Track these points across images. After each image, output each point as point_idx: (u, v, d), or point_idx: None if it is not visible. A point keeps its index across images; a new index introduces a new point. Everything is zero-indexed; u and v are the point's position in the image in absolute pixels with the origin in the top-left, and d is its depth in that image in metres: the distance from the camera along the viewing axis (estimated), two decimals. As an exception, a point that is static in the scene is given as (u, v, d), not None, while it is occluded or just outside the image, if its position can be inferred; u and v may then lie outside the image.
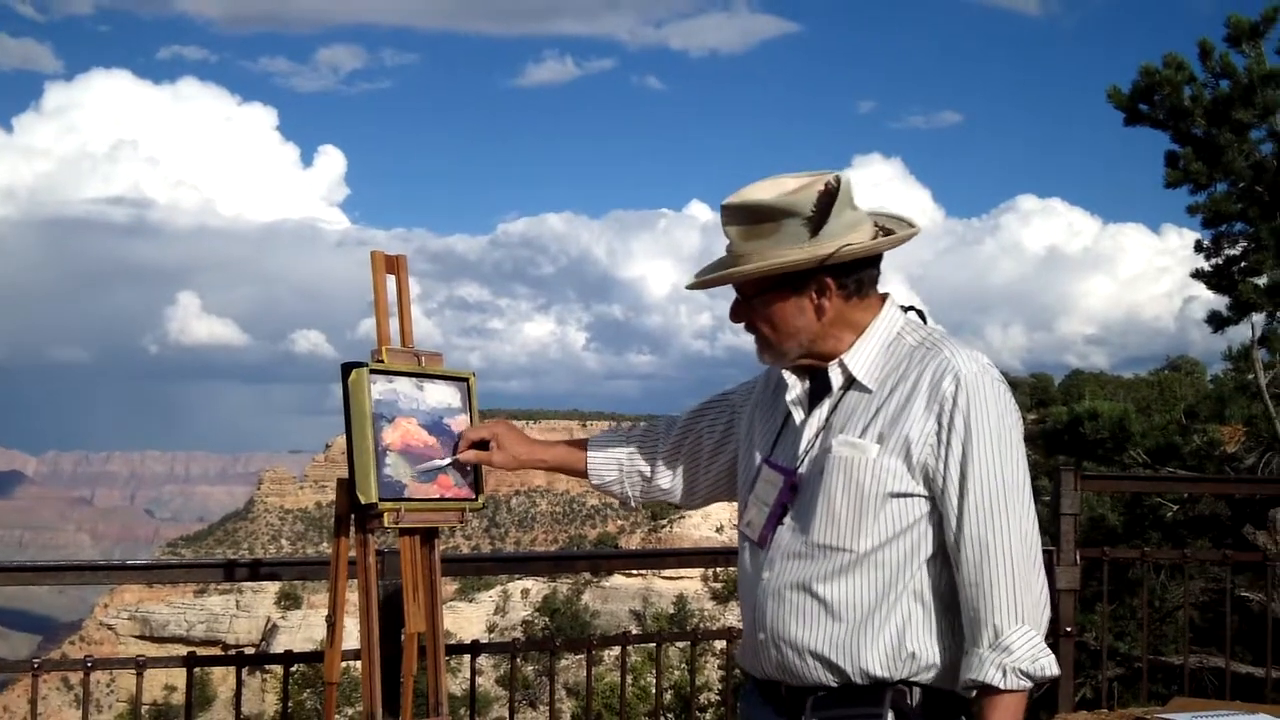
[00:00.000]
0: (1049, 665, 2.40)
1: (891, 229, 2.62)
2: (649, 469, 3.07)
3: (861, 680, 2.49)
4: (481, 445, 3.05)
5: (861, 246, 2.52)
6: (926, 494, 2.49)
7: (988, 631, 2.41)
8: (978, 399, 2.45)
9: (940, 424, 2.46)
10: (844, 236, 2.51)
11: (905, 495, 2.48)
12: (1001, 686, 2.39)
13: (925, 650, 2.49)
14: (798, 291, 2.55)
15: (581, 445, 3.14)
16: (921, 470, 2.47)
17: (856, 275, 2.56)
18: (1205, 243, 12.84)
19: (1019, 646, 2.38)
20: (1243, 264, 12.50)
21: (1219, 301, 12.72)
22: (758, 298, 2.60)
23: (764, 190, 2.53)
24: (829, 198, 2.49)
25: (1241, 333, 12.72)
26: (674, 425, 3.08)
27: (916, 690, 2.49)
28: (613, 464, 3.09)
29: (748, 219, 2.55)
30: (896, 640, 2.48)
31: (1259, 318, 12.23)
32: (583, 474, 3.12)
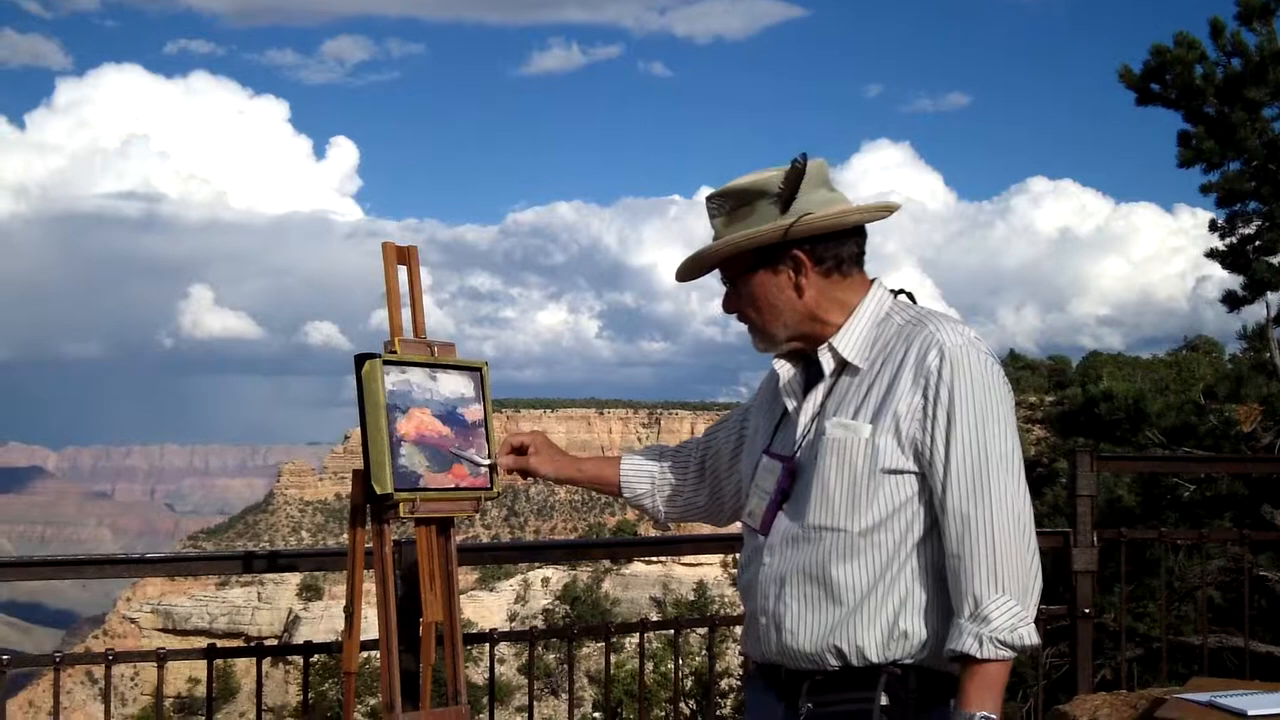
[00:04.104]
0: (1028, 635, 2.40)
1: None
2: (679, 483, 3.10)
3: (858, 662, 2.50)
4: (519, 451, 3.08)
5: (824, 215, 2.55)
6: (917, 470, 2.50)
7: (968, 602, 2.41)
8: (962, 371, 2.46)
9: (926, 398, 2.47)
10: (815, 211, 2.55)
11: (897, 472, 2.50)
12: (978, 656, 2.39)
13: (920, 629, 2.50)
14: (774, 269, 2.61)
15: (614, 462, 3.16)
16: (911, 446, 2.49)
17: (834, 251, 2.60)
18: (1219, 222, 12.80)
19: (997, 616, 2.38)
20: (1257, 243, 12.46)
21: (1233, 281, 12.69)
22: (740, 280, 2.66)
23: (740, 178, 2.61)
24: (797, 175, 2.54)
25: (1256, 312, 12.70)
26: (702, 442, 3.12)
27: (912, 674, 2.50)
28: (645, 478, 3.11)
29: (726, 206, 2.63)
30: (892, 620, 2.50)
31: (1274, 296, 12.21)
32: (615, 490, 3.14)
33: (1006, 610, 2.39)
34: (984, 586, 2.40)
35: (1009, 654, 2.40)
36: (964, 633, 2.40)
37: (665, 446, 3.20)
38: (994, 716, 2.39)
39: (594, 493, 3.56)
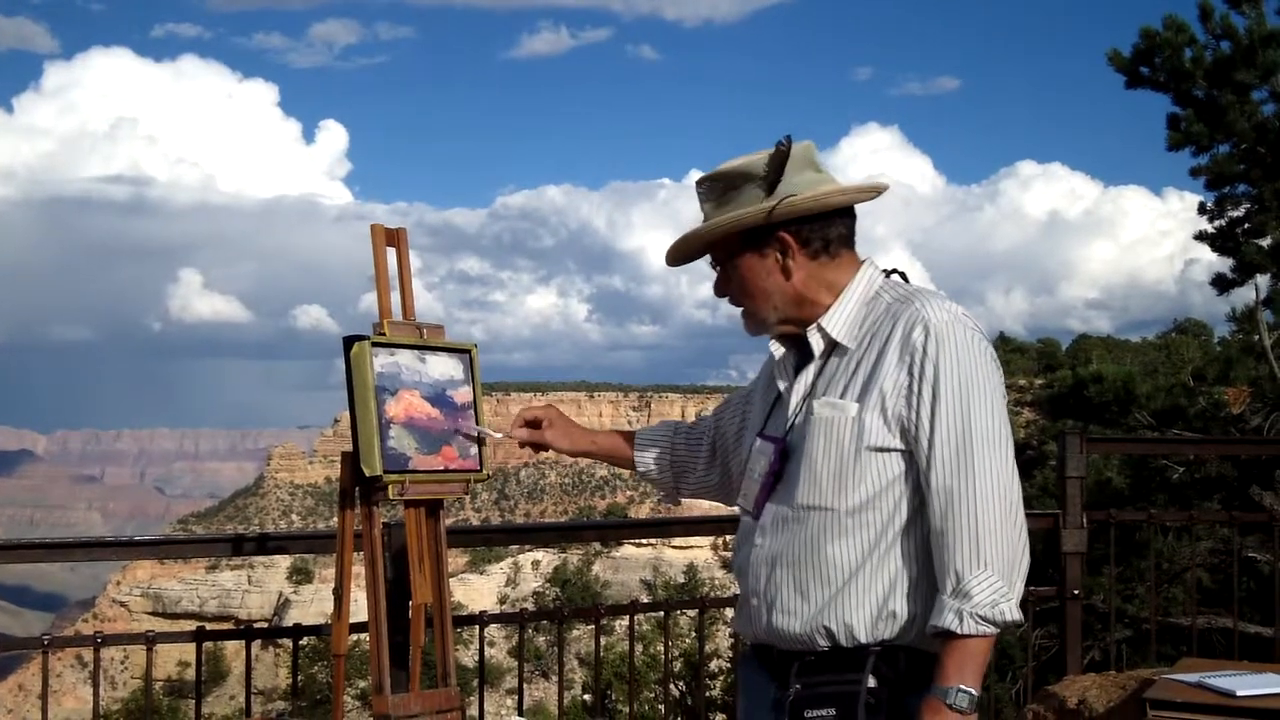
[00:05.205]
0: (1009, 610, 2.38)
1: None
2: (693, 461, 3.10)
3: (847, 642, 2.49)
4: (533, 424, 3.08)
5: (807, 197, 2.55)
6: (903, 448, 2.49)
7: (950, 577, 2.39)
8: (947, 347, 2.45)
9: (911, 374, 2.46)
10: (799, 193, 2.55)
11: (884, 450, 2.49)
12: (958, 631, 2.37)
13: (909, 610, 2.48)
14: (761, 252, 2.61)
15: (628, 436, 3.17)
16: (897, 423, 2.48)
17: (821, 233, 2.60)
18: (1209, 205, 12.82)
19: (979, 592, 2.36)
20: (1246, 225, 12.48)
21: (1222, 264, 12.71)
22: (729, 263, 2.66)
23: (727, 162, 2.61)
24: (781, 158, 2.55)
25: (1245, 294, 12.73)
26: (711, 422, 3.13)
27: (901, 655, 2.48)
28: (660, 455, 3.12)
29: (715, 190, 2.64)
30: (881, 601, 2.49)
31: (1263, 279, 12.24)
32: (629, 464, 3.16)
33: (988, 585, 2.37)
34: (966, 562, 2.39)
35: (990, 629, 2.38)
36: (945, 608, 2.39)
37: (680, 423, 3.20)
38: (973, 690, 2.38)
39: (603, 468, 3.56)
